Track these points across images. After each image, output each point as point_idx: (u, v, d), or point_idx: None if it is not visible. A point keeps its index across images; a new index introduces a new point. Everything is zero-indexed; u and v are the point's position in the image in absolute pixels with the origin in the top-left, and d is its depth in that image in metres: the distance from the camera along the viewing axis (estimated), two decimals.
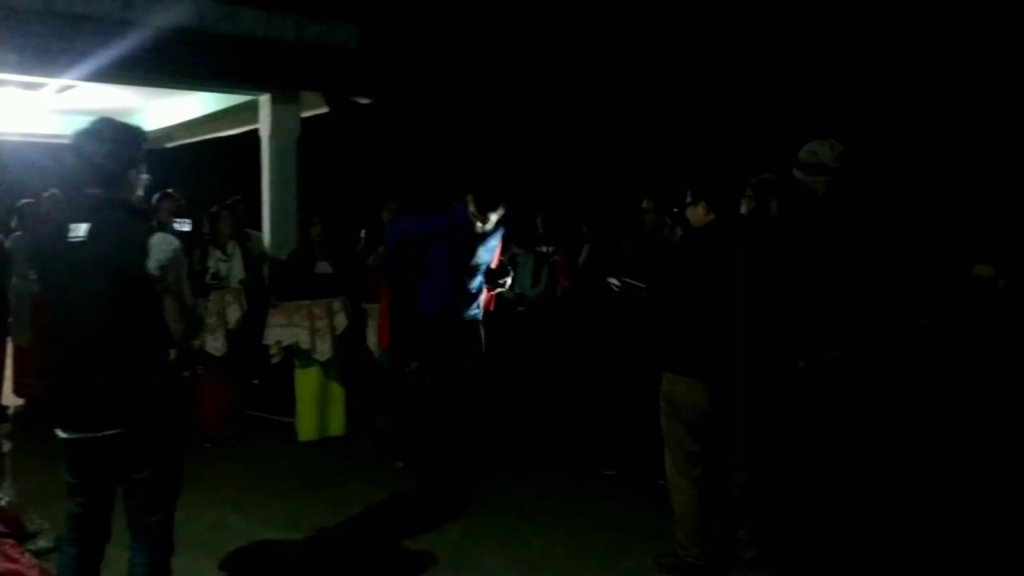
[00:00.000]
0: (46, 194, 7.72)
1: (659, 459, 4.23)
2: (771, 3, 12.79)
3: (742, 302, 3.89)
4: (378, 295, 5.97)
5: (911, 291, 4.27)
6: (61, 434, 2.88)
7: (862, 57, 11.96)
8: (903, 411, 4.77)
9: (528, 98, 14.93)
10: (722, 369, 3.91)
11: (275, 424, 6.88)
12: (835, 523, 3.90)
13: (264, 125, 7.93)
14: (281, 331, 6.38)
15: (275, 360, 6.54)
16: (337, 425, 6.52)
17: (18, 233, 7.35)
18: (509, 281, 5.91)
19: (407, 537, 4.64)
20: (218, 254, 6.63)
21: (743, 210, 4.47)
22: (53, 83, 7.52)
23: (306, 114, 8.18)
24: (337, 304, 6.45)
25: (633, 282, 4.76)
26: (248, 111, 8.22)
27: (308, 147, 8.18)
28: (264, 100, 7.84)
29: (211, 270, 6.46)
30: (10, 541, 4.00)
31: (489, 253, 5.38)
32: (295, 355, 6.44)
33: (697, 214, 4.05)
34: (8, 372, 7.33)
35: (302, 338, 6.32)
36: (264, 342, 6.47)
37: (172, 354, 3.45)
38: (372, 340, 6.31)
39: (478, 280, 5.35)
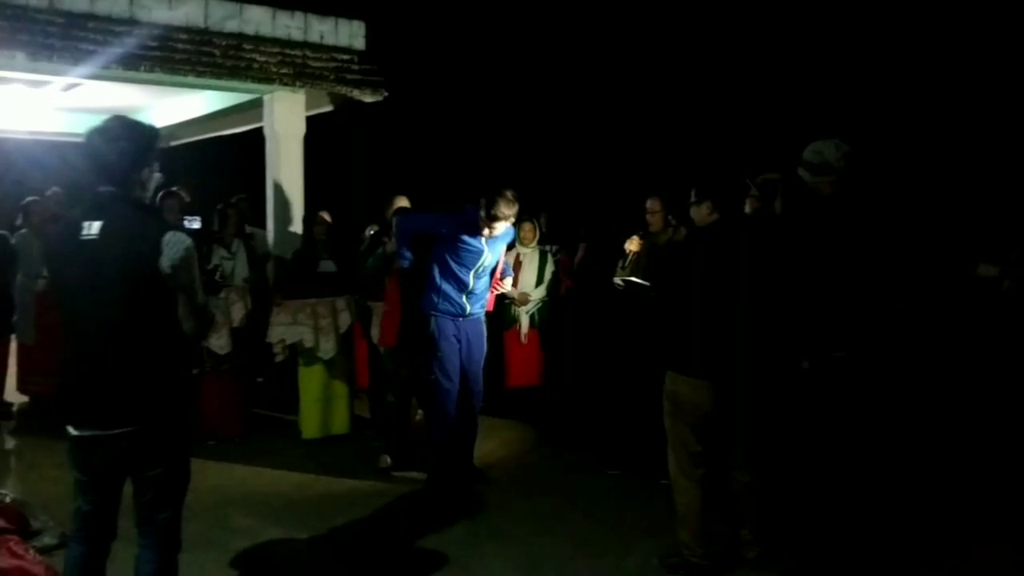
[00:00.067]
0: (48, 192, 7.74)
1: (662, 459, 4.23)
2: (776, 3, 12.76)
3: (745, 302, 3.89)
4: (379, 294, 5.96)
5: (915, 292, 4.27)
6: (73, 432, 2.88)
7: (867, 57, 11.94)
8: (907, 411, 4.77)
9: (533, 97, 14.92)
10: (726, 369, 3.91)
11: (279, 422, 6.89)
12: (838, 523, 3.89)
13: (269, 123, 7.94)
14: (285, 329, 6.39)
15: (279, 358, 6.55)
16: (341, 423, 6.52)
17: (23, 231, 7.38)
18: (510, 283, 5.92)
19: (410, 536, 4.64)
20: (222, 252, 6.64)
21: (747, 210, 4.46)
22: (59, 81, 7.54)
23: (311, 112, 8.19)
24: (341, 302, 6.45)
25: (638, 281, 4.76)
26: (253, 109, 8.22)
27: (313, 145, 8.19)
28: (269, 98, 7.85)
29: (220, 269, 6.47)
30: (15, 538, 4.00)
31: (496, 256, 5.38)
32: (299, 353, 6.45)
33: (701, 213, 4.05)
34: (12, 370, 7.40)
35: (306, 336, 6.33)
36: (268, 340, 6.48)
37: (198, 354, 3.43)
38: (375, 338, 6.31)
39: (484, 281, 5.35)
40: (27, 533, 4.22)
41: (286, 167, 7.93)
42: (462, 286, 5.22)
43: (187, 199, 7.12)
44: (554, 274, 7.19)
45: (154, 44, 6.88)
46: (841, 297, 3.76)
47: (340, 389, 6.52)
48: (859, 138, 4.14)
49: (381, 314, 5.92)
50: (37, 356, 7.19)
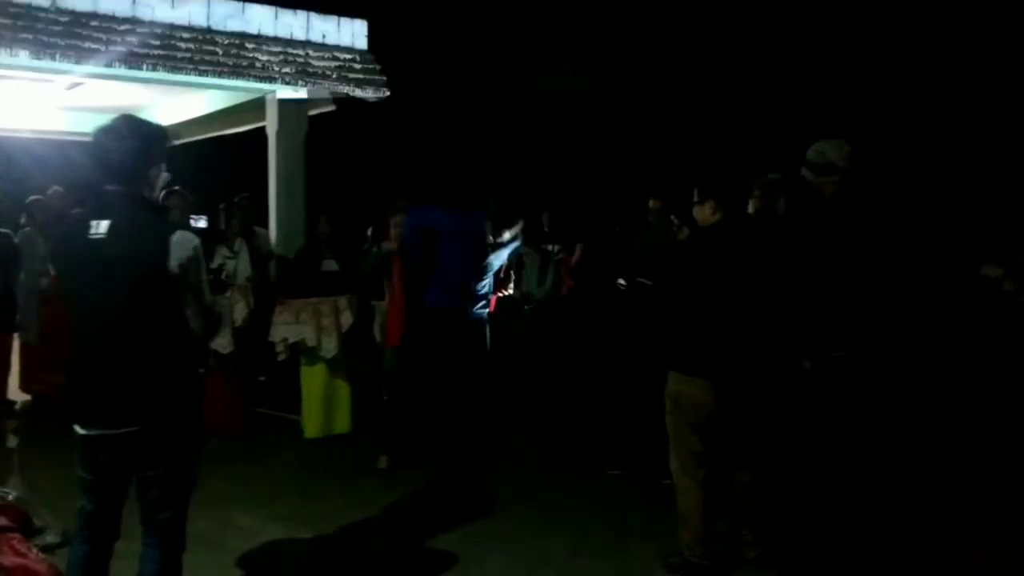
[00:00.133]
0: (50, 191, 7.74)
1: (664, 459, 4.23)
2: (780, 3, 12.75)
3: (747, 302, 3.88)
4: (379, 294, 5.94)
5: (918, 292, 4.26)
6: (80, 431, 2.88)
7: (871, 57, 11.92)
8: (908, 411, 4.76)
9: (535, 97, 14.92)
10: (728, 369, 3.90)
11: (281, 421, 6.89)
12: (839, 523, 3.89)
13: (271, 123, 7.93)
14: (287, 328, 6.39)
15: (281, 357, 6.55)
16: (343, 423, 6.52)
17: (27, 229, 7.38)
18: (511, 288, 5.93)
19: (412, 535, 4.65)
20: (225, 251, 6.64)
21: (750, 210, 4.46)
22: (62, 80, 7.54)
23: (313, 112, 8.19)
24: (343, 302, 6.45)
25: (642, 280, 4.76)
26: (256, 108, 8.23)
27: (315, 145, 8.19)
28: (272, 97, 7.85)
29: (226, 269, 6.48)
30: (18, 536, 4.01)
31: (500, 260, 5.38)
32: (301, 353, 6.45)
33: (704, 213, 4.04)
34: (15, 368, 7.41)
35: (308, 336, 6.33)
36: (270, 339, 6.48)
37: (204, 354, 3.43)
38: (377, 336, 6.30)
39: (487, 282, 5.35)
40: (30, 531, 4.23)
41: (288, 166, 7.93)
42: (463, 284, 5.22)
43: (189, 197, 7.12)
44: (556, 274, 7.18)
45: (157, 43, 6.88)
46: (844, 297, 3.76)
47: (342, 388, 6.52)
48: (862, 138, 4.14)
49: (382, 313, 5.91)
50: (40, 355, 7.19)
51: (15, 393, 7.39)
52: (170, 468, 2.92)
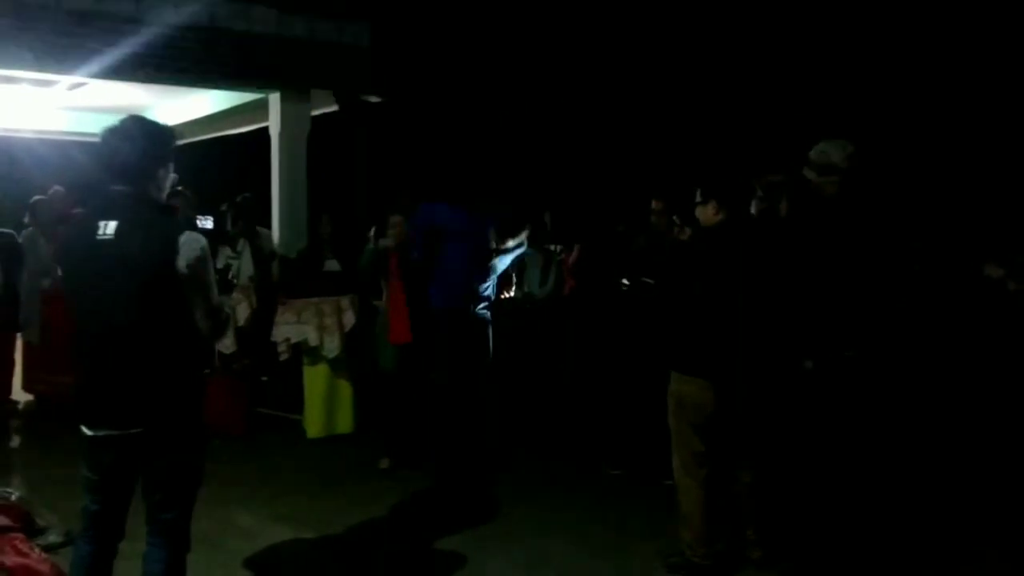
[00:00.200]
0: (50, 191, 7.75)
1: (666, 459, 4.23)
2: (782, 4, 12.75)
3: (750, 302, 3.88)
4: (379, 293, 5.93)
5: (921, 293, 4.26)
6: (86, 431, 2.87)
7: (873, 58, 11.92)
8: (911, 410, 4.76)
9: (539, 96, 14.92)
10: (730, 369, 3.90)
11: (283, 421, 6.89)
12: (841, 523, 3.89)
13: (274, 123, 7.95)
14: (290, 328, 6.40)
15: (283, 357, 6.56)
16: (345, 423, 6.53)
17: (30, 229, 7.39)
18: (513, 289, 5.93)
19: (414, 536, 4.65)
20: (228, 252, 6.65)
21: (752, 210, 4.46)
22: (64, 80, 7.55)
23: (316, 112, 8.20)
24: (345, 302, 6.46)
25: (646, 280, 4.76)
26: (259, 109, 8.24)
27: (318, 145, 8.20)
28: (275, 98, 7.86)
29: (232, 270, 6.49)
30: (20, 536, 4.01)
31: (504, 264, 5.39)
32: (303, 352, 6.46)
33: (706, 214, 4.04)
34: (17, 368, 7.42)
35: (310, 335, 6.34)
36: (273, 339, 6.48)
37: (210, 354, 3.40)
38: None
39: (490, 284, 5.35)
40: (32, 531, 4.23)
41: (291, 167, 7.94)
42: (465, 284, 5.23)
43: (191, 197, 7.14)
44: (558, 274, 7.18)
45: (160, 44, 6.89)
46: (846, 297, 3.76)
47: (344, 388, 6.52)
48: (865, 139, 4.14)
49: (384, 313, 5.89)
50: (42, 355, 7.20)
51: (17, 393, 7.40)
52: (176, 469, 2.92)
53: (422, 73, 13.19)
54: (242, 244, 6.74)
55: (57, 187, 7.78)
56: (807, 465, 3.95)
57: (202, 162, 10.65)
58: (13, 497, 4.56)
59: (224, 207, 6.98)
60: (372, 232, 6.52)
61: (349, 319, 6.44)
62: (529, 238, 5.54)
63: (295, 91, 7.74)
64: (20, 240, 7.20)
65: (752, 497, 4.08)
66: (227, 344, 6.34)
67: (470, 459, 5.48)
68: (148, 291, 2.77)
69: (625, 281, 5.02)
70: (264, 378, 7.34)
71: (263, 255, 7.07)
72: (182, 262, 2.77)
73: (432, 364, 5.28)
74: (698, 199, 4.06)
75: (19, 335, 7.35)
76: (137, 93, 8.25)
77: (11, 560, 3.76)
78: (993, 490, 4.96)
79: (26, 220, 7.51)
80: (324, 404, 6.46)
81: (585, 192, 12.28)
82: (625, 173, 13.15)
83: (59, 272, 3.54)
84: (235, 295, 6.49)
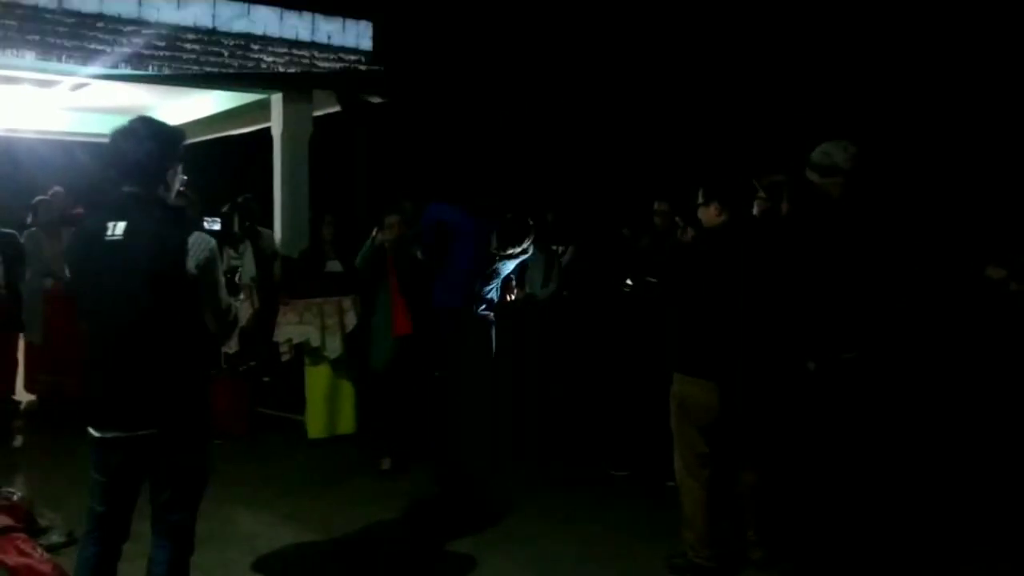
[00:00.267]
0: (51, 191, 7.76)
1: (669, 460, 4.23)
2: (784, 4, 12.75)
3: (753, 303, 3.88)
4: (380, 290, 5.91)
5: (923, 293, 4.25)
6: (95, 433, 2.87)
7: (875, 58, 11.91)
8: (913, 412, 4.75)
9: (541, 97, 14.91)
10: (732, 370, 3.90)
11: (285, 422, 6.90)
12: (843, 524, 3.89)
13: (276, 124, 7.95)
14: (292, 329, 6.40)
15: (285, 358, 6.56)
16: (347, 423, 6.53)
17: (33, 229, 7.40)
18: (515, 291, 5.93)
19: (416, 536, 4.65)
20: (231, 253, 6.66)
21: (755, 211, 4.46)
22: (67, 81, 7.56)
23: (318, 113, 8.20)
24: (347, 302, 6.46)
25: (650, 280, 4.76)
26: (261, 110, 8.24)
27: (320, 145, 8.20)
28: (277, 99, 7.87)
29: (238, 270, 6.49)
30: (23, 536, 4.02)
31: (508, 268, 5.39)
32: (305, 353, 6.45)
33: (709, 215, 4.04)
34: (20, 368, 7.43)
35: (312, 336, 6.34)
36: (275, 340, 6.48)
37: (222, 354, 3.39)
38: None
39: (493, 286, 5.35)
40: (34, 531, 4.23)
41: (293, 167, 7.94)
42: (468, 285, 5.23)
43: (194, 198, 7.13)
44: (560, 274, 7.17)
45: (162, 44, 6.90)
46: (850, 298, 3.75)
47: (346, 389, 6.52)
48: (867, 139, 4.13)
49: (381, 309, 5.86)
50: (44, 355, 7.21)
51: (20, 393, 7.40)
52: (185, 470, 2.92)
53: (424, 74, 13.19)
54: (244, 245, 6.75)
55: (57, 188, 7.79)
56: (809, 466, 3.95)
57: (203, 163, 10.65)
58: (15, 497, 4.56)
59: (226, 208, 6.98)
60: (374, 232, 6.53)
61: (351, 319, 6.44)
62: (533, 243, 5.53)
63: (297, 92, 7.74)
64: (22, 240, 7.22)
65: (754, 498, 4.08)
66: (231, 345, 6.35)
67: (472, 460, 5.48)
68: (157, 292, 2.76)
69: (629, 282, 5.02)
70: (266, 378, 7.34)
71: (265, 255, 7.07)
72: (191, 263, 2.77)
73: (431, 362, 5.28)
74: (700, 200, 4.06)
75: (21, 335, 7.37)
76: (139, 94, 8.25)
77: (13, 560, 3.76)
78: (994, 490, 4.95)
79: (28, 220, 7.52)
80: (326, 404, 6.46)
81: (588, 192, 12.27)
82: (628, 174, 13.15)
83: (66, 272, 3.53)
84: (242, 296, 6.50)
